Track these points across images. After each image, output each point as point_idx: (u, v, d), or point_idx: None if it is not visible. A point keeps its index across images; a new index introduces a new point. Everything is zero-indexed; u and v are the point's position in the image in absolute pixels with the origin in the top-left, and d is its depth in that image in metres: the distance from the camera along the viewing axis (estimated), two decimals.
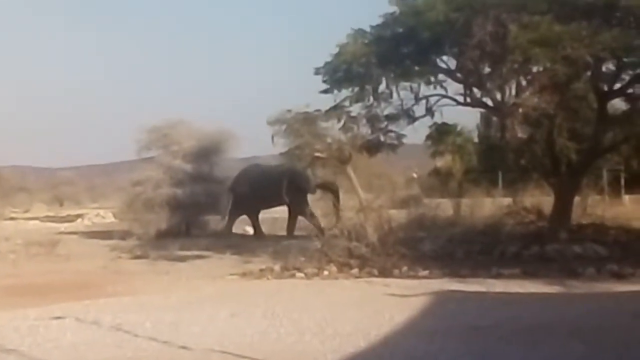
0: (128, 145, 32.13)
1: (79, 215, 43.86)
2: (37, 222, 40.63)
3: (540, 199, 24.35)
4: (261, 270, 17.73)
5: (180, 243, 24.57)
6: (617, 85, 20.11)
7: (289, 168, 25.50)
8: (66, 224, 38.53)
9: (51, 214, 48.06)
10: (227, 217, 27.79)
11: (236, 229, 29.89)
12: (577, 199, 22.04)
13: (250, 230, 29.45)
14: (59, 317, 11.70)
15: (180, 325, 10.96)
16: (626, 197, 33.38)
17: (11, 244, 26.07)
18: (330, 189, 25.91)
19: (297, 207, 25.88)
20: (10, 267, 20.69)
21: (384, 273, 16.61)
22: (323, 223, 23.99)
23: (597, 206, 27.19)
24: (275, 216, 34.23)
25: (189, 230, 28.34)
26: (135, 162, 30.98)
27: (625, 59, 19.02)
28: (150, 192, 27.65)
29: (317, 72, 20.68)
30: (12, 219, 43.80)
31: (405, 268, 16.85)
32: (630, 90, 20.19)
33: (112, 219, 37.57)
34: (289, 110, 21.05)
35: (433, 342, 9.51)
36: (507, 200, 27.49)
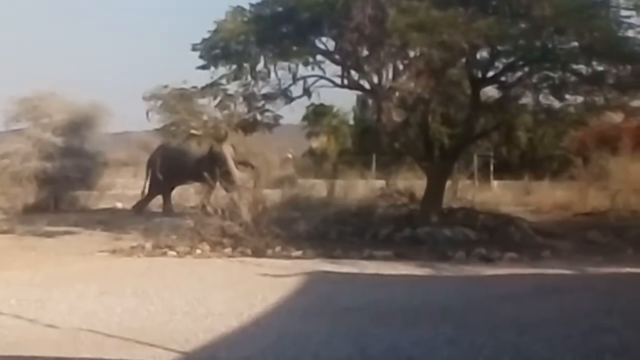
0: None
1: None
2: None
3: (412, 182, 24.71)
4: (132, 247, 17.42)
5: (48, 218, 23.93)
6: (491, 73, 20.54)
7: (211, 147, 25.07)
8: None
9: None
10: (146, 193, 27.05)
11: (106, 203, 29.39)
12: (448, 183, 22.45)
13: (121, 206, 29.01)
14: None
15: (47, 303, 10.63)
16: (495, 183, 34.34)
17: None
18: (251, 166, 25.69)
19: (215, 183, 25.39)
20: None
21: (257, 253, 16.57)
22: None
23: (467, 191, 27.77)
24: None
25: (57, 206, 27.69)
26: (3, 134, 30.03)
27: (499, 47, 19.48)
28: (18, 165, 27.00)
29: (194, 48, 20.38)
30: None
31: (278, 248, 16.84)
32: (503, 78, 20.66)
33: None
34: (165, 86, 20.68)
35: (306, 322, 9.50)
36: (381, 183, 27.85)
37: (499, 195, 29.96)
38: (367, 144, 28.51)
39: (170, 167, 26.12)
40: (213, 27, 19.85)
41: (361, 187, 25.70)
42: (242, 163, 25.85)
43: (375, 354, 7.94)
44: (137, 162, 37.75)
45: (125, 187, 35.38)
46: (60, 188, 27.89)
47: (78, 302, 10.74)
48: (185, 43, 22.30)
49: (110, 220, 23.58)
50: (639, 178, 25.66)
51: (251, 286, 12.24)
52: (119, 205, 29.05)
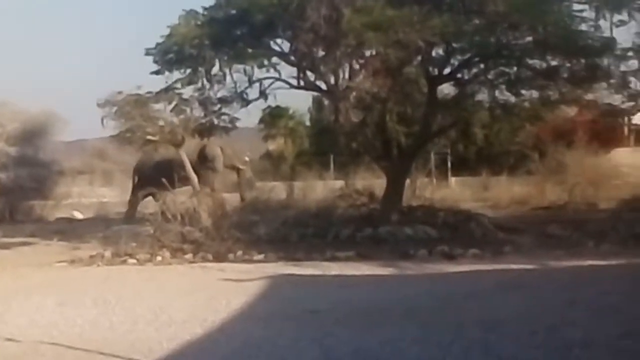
0: None
1: None
2: None
3: (371, 181, 24.84)
4: (91, 256, 17.25)
5: (3, 229, 23.72)
6: (447, 70, 20.64)
7: (201, 148, 25.20)
8: None
9: None
10: (130, 199, 26.75)
11: (64, 213, 29.14)
12: (407, 181, 22.53)
13: (78, 215, 28.82)
14: None
15: (6, 315, 10.49)
16: (453, 180, 34.52)
17: None
18: (237, 169, 25.57)
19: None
20: None
21: (219, 258, 16.50)
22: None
23: (425, 189, 27.94)
24: (103, 200, 33.57)
25: (13, 216, 27.45)
26: None
27: (454, 45, 19.56)
28: None
29: (147, 52, 20.35)
30: None
31: (240, 252, 16.81)
32: (459, 75, 20.77)
33: None
34: (120, 92, 20.63)
35: (270, 327, 9.44)
36: (339, 183, 27.93)
37: (457, 192, 30.20)
38: (325, 144, 28.58)
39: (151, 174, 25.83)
40: (166, 31, 19.82)
41: (320, 188, 25.77)
42: (229, 166, 25.82)
43: (342, 357, 7.89)
44: (93, 170, 37.64)
45: (81, 195, 35.19)
46: (15, 198, 27.75)
47: (37, 314, 10.58)
48: (139, 48, 22.30)
49: (67, 230, 23.43)
50: (595, 171, 25.99)
51: (214, 292, 12.13)
52: (79, 215, 28.80)
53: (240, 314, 10.45)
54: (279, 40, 20.21)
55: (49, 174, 28.82)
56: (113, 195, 35.30)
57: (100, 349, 8.43)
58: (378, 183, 23.01)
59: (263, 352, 8.15)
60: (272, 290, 12.54)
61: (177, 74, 20.42)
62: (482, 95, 21.78)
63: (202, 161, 25.05)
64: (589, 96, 21.04)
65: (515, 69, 20.30)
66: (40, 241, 21.16)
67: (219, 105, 21.05)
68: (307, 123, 42.03)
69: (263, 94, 21.04)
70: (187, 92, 20.67)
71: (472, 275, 13.68)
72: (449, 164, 35.91)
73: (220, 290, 12.33)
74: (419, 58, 19.96)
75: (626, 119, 30.18)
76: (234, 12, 19.59)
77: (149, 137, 21.13)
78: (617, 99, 21.10)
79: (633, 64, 19.52)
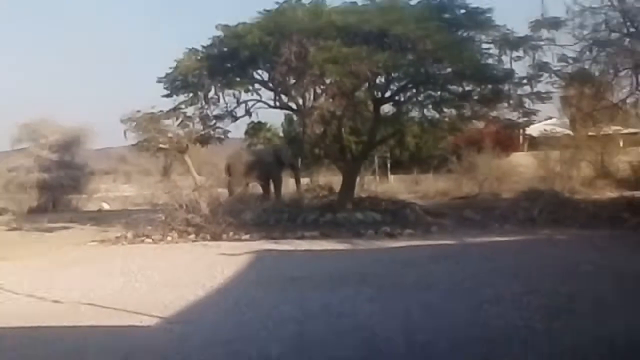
0: (2, 138, 30.33)
1: None
2: None
3: (331, 178, 24.78)
4: (116, 237, 17.11)
5: (48, 217, 23.38)
6: (388, 94, 20.63)
7: (275, 150, 24.74)
8: None
9: None
10: (228, 187, 25.60)
11: (94, 204, 28.84)
12: (358, 179, 22.53)
13: (106, 205, 28.53)
14: None
15: (53, 283, 10.36)
16: (391, 177, 34.55)
17: None
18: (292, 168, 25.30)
19: (278, 178, 24.48)
20: None
21: (215, 237, 16.44)
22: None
23: (371, 184, 28.07)
24: (124, 194, 33.26)
25: (55, 207, 27.12)
26: (9, 153, 29.27)
27: (393, 74, 19.60)
28: (23, 176, 26.67)
29: (159, 80, 20.30)
30: None
31: (231, 233, 16.75)
32: (396, 98, 20.78)
33: None
34: (138, 111, 20.34)
35: (257, 290, 9.42)
36: (306, 180, 27.67)
37: (395, 186, 30.21)
38: (294, 150, 28.35)
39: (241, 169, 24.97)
40: (173, 64, 19.82)
41: (291, 184, 25.53)
42: (291, 166, 25.18)
43: (313, 312, 7.87)
44: (116, 171, 37.26)
45: (107, 190, 34.90)
46: (56, 193, 27.47)
47: (77, 282, 10.47)
48: (152, 76, 22.27)
49: (97, 217, 23.18)
50: (498, 170, 26.25)
51: (212, 263, 12.06)
52: (106, 206, 28.55)
53: (233, 281, 10.41)
54: (260, 71, 20.15)
55: (82, 174, 28.52)
56: (132, 191, 35.02)
57: (126, 307, 8.36)
58: (335, 180, 22.95)
59: (251, 310, 8.11)
60: (256, 261, 12.50)
61: (182, 97, 20.34)
62: (414, 113, 21.85)
63: (277, 161, 24.46)
64: (494, 113, 21.10)
65: (439, 93, 20.39)
66: (77, 226, 20.92)
67: (214, 121, 20.89)
68: (281, 134, 41.80)
69: (248, 112, 20.92)
70: (190, 110, 20.53)
71: (408, 249, 13.72)
72: (389, 165, 35.96)
73: (217, 262, 12.25)
74: (367, 84, 19.94)
75: (521, 130, 30.39)
76: (225, 49, 19.50)
77: (161, 145, 20.92)
78: (514, 115, 21.23)
79: (526, 89, 19.74)
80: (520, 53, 19.24)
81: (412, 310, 7.75)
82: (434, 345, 6.32)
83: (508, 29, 19.29)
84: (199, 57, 19.94)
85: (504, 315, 7.39)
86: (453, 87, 20.16)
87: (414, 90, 20.59)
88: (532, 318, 7.20)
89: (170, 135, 20.79)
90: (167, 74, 20.21)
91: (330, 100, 19.27)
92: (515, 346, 6.24)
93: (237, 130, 23.75)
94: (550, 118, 31.23)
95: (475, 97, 20.22)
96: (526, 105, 20.34)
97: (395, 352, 6.19)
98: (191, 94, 20.36)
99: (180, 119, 20.68)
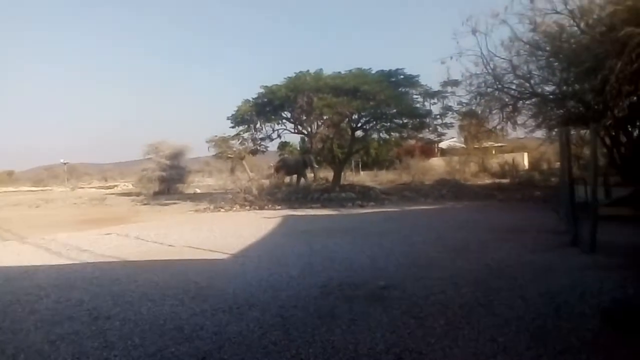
0: (137, 151, 30.17)
1: (115, 185, 40.82)
2: (94, 189, 37.46)
3: (327, 173, 24.64)
4: (205, 208, 17.05)
5: (165, 197, 23.44)
6: (359, 125, 20.65)
7: (303, 157, 23.14)
8: (108, 190, 35.73)
9: (101, 185, 44.65)
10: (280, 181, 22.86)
11: (191, 190, 28.77)
12: (342, 173, 22.48)
13: (198, 190, 28.46)
14: (108, 234, 10.77)
15: (168, 235, 10.35)
16: (362, 173, 34.41)
17: (82, 200, 24.26)
18: (312, 168, 22.88)
19: (303, 174, 22.95)
20: (81, 210, 18.98)
21: (261, 208, 16.36)
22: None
23: (350, 176, 27.92)
24: (209, 184, 33.04)
25: (169, 191, 27.01)
26: (142, 160, 29.16)
27: (362, 113, 19.61)
28: (150, 173, 26.43)
29: (228, 118, 20.46)
30: (81, 188, 40.21)
31: (270, 205, 16.68)
32: (365, 127, 20.81)
33: (132, 187, 35.16)
34: (216, 136, 20.58)
35: (284, 237, 9.42)
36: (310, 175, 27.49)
37: (363, 177, 30.05)
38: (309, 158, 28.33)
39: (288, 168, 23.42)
40: (235, 108, 20.01)
41: (309, 178, 25.40)
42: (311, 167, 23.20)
43: (316, 249, 7.89)
44: (203, 170, 37.09)
45: (199, 182, 34.84)
46: (169, 183, 27.26)
47: (182, 234, 10.45)
48: (223, 114, 22.24)
49: (193, 197, 23.06)
50: (423, 167, 26.11)
51: (259, 223, 12.07)
52: (198, 190, 28.46)
53: (271, 233, 10.39)
54: (285, 112, 20.19)
55: (184, 172, 28.39)
56: (212, 182, 34.98)
57: (210, 248, 8.38)
58: (330, 174, 22.91)
59: (282, 248, 8.11)
60: (283, 221, 12.47)
61: (241, 127, 20.49)
62: (374, 135, 22.00)
63: (304, 164, 23.53)
64: (420, 135, 21.16)
65: (388, 124, 20.45)
66: (181, 202, 20.82)
67: (259, 141, 20.93)
68: (298, 148, 41.72)
69: (279, 136, 21.13)
70: (245, 135, 20.66)
71: (371, 214, 13.69)
72: (360, 165, 35.88)
73: (262, 222, 12.26)
74: (347, 119, 19.97)
75: (436, 145, 30.39)
76: (266, 99, 19.58)
77: (229, 155, 21.00)
78: (432, 136, 21.30)
79: (439, 121, 19.81)
80: (435, 100, 19.40)
81: (373, 248, 7.79)
82: (385, 261, 6.37)
83: (428, 86, 19.55)
84: (250, 104, 20.02)
85: (426, 250, 7.43)
86: (397, 121, 20.22)
87: (374, 123, 20.59)
88: (441, 251, 7.25)
89: (234, 149, 20.85)
90: (233, 114, 20.36)
91: (326, 129, 19.42)
92: (434, 270, 6.28)
93: (273, 146, 23.72)
94: (453, 138, 31.17)
95: (409, 126, 20.27)
96: (439, 130, 20.48)
97: (363, 267, 6.23)
98: (246, 126, 20.40)
99: (240, 140, 20.77)
